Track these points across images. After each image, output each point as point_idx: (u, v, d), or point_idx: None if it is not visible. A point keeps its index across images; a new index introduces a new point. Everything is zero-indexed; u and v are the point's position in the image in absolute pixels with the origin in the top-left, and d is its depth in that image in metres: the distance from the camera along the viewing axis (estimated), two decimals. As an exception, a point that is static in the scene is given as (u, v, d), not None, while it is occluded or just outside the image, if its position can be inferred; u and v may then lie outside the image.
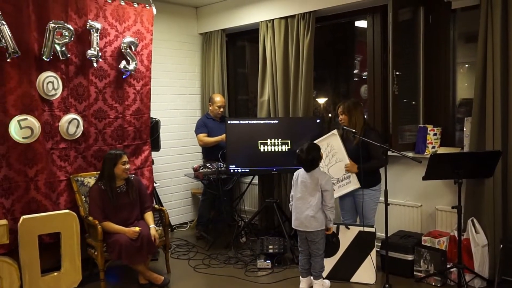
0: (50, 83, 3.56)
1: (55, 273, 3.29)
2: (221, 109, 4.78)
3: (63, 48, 3.57)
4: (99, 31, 3.75)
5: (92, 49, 3.72)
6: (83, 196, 3.76)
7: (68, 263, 3.32)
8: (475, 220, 3.46)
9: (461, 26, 3.95)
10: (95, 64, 3.78)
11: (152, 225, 3.66)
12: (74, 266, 3.35)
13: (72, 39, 3.59)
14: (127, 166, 3.64)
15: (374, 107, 4.25)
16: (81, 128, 3.77)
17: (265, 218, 4.92)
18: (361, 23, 4.51)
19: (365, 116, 4.02)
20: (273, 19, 4.66)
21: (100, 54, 3.78)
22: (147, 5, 4.14)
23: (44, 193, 3.55)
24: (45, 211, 3.46)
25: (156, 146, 4.55)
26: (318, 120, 4.26)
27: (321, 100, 5.25)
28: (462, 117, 3.78)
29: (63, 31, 3.52)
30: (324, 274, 3.51)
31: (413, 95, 4.11)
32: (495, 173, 3.31)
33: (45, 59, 3.49)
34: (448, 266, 3.46)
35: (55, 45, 3.51)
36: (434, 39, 3.93)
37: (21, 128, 3.40)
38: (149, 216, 3.76)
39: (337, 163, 3.77)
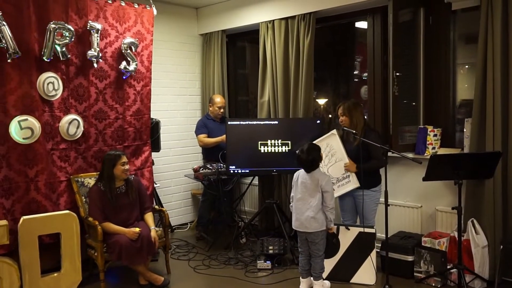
0: (51, 83, 3.56)
1: (55, 274, 3.28)
2: (221, 110, 4.78)
3: (64, 49, 3.57)
4: (99, 31, 3.75)
5: (92, 49, 3.72)
6: (83, 197, 3.76)
7: (68, 263, 3.32)
8: (475, 221, 3.46)
9: (461, 27, 3.95)
10: (95, 65, 3.78)
11: (152, 227, 3.66)
12: (74, 267, 3.34)
13: (73, 39, 3.60)
14: (127, 167, 3.64)
15: (374, 108, 4.25)
16: (81, 128, 3.77)
17: (265, 218, 4.92)
18: (362, 24, 4.51)
19: (365, 117, 4.02)
20: (273, 20, 4.66)
21: (100, 54, 3.78)
22: (147, 6, 4.15)
23: (44, 193, 3.55)
24: (45, 212, 3.45)
25: (156, 147, 4.55)
26: (318, 121, 4.27)
27: (321, 101, 5.25)
28: (462, 118, 3.78)
29: (64, 31, 3.52)
30: (324, 275, 3.51)
31: (413, 96, 4.11)
32: (495, 174, 3.31)
33: (46, 60, 3.49)
34: (448, 267, 3.45)
35: (56, 46, 3.51)
36: (434, 40, 3.93)
37: (22, 128, 3.40)
38: (149, 216, 3.76)
39: (337, 162, 3.77)
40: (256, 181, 5.03)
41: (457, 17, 3.92)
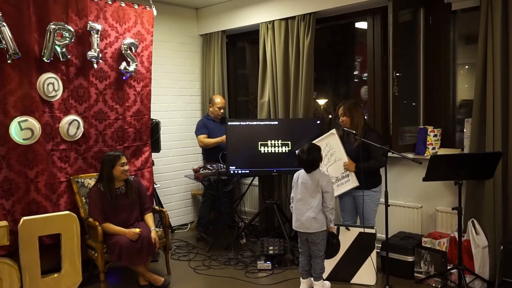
0: (51, 84, 3.56)
1: (55, 275, 3.29)
2: (221, 110, 4.78)
3: (64, 50, 3.57)
4: (99, 32, 3.75)
5: (92, 50, 3.72)
6: (83, 198, 3.76)
7: (68, 264, 3.32)
8: (475, 221, 3.46)
9: (461, 27, 3.95)
10: (95, 66, 3.78)
11: (152, 228, 3.66)
12: (74, 268, 3.35)
13: (73, 40, 3.60)
14: (126, 167, 3.64)
15: (374, 108, 4.25)
16: (81, 129, 3.77)
17: (265, 219, 4.92)
18: (362, 25, 4.51)
19: (365, 117, 4.02)
20: (273, 21, 4.66)
21: (100, 55, 3.79)
22: (147, 7, 4.15)
23: (45, 194, 3.55)
24: (45, 213, 3.46)
25: (156, 147, 4.56)
26: (318, 121, 4.27)
27: (321, 101, 5.25)
28: (462, 118, 3.78)
29: (64, 32, 3.52)
30: (325, 275, 3.51)
31: (413, 96, 4.11)
32: (495, 174, 3.31)
33: (46, 61, 3.49)
34: (448, 267, 3.45)
35: (56, 47, 3.51)
36: (434, 40, 3.93)
37: (22, 129, 3.40)
38: (149, 217, 3.76)
39: (336, 162, 3.77)
40: (256, 181, 5.03)
41: (457, 18, 3.92)
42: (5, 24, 3.21)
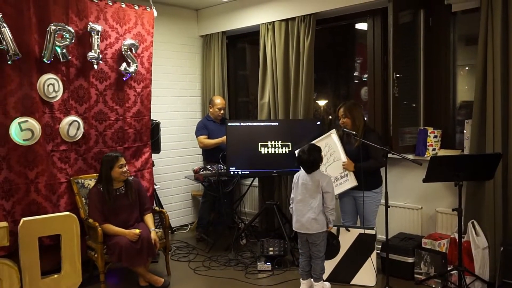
0: (51, 85, 3.56)
1: (55, 275, 3.29)
2: (222, 111, 4.78)
3: (64, 50, 3.57)
4: (99, 33, 3.75)
5: (92, 51, 3.72)
6: (83, 198, 3.76)
7: (68, 265, 3.32)
8: (475, 223, 3.45)
9: (462, 28, 3.96)
10: (95, 66, 3.78)
11: (152, 229, 3.66)
12: (74, 268, 3.35)
13: (73, 41, 3.60)
14: (125, 168, 3.64)
15: (375, 109, 4.25)
16: (81, 130, 3.78)
17: (265, 220, 4.92)
18: (362, 26, 4.51)
19: (365, 118, 4.03)
20: (273, 22, 4.66)
21: (100, 56, 3.79)
22: (147, 8, 4.15)
23: (45, 195, 3.55)
24: (45, 213, 3.46)
25: (156, 148, 4.56)
26: (319, 122, 4.27)
27: (322, 102, 5.25)
28: (463, 120, 3.79)
29: (64, 33, 3.53)
30: (325, 276, 3.50)
31: (414, 97, 4.11)
32: (496, 176, 3.31)
33: (46, 61, 3.49)
34: (448, 268, 3.45)
35: (56, 47, 3.51)
36: (434, 41, 3.94)
37: (22, 130, 3.40)
38: (149, 218, 3.76)
39: (335, 162, 3.77)
40: (256, 182, 5.03)
41: (457, 19, 3.93)
42: (5, 25, 3.21)
